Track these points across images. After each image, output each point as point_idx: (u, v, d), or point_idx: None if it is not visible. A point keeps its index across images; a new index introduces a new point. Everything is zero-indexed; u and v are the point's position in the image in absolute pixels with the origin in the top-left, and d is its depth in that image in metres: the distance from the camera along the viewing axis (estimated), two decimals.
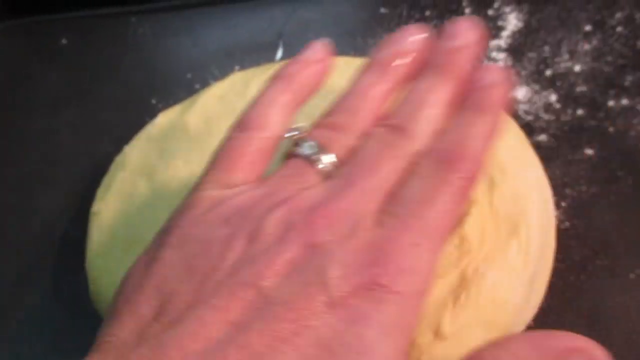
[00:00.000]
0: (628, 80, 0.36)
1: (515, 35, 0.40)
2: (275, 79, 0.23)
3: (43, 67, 0.45)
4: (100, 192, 0.34)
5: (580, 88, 0.37)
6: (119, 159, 0.35)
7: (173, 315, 0.18)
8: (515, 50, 0.39)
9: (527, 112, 0.36)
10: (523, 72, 0.38)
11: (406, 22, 0.42)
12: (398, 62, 0.23)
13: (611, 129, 0.35)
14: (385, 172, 0.20)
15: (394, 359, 0.17)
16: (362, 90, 0.23)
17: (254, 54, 0.43)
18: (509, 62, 0.39)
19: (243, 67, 0.42)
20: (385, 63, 0.23)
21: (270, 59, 0.42)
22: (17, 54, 0.46)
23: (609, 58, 0.38)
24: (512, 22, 0.41)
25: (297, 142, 0.22)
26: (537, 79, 0.38)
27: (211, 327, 0.17)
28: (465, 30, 0.22)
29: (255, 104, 0.23)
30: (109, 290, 0.30)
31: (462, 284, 0.25)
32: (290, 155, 0.22)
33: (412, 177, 0.20)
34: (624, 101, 0.36)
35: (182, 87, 0.42)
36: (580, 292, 0.30)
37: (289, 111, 0.23)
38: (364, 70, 0.23)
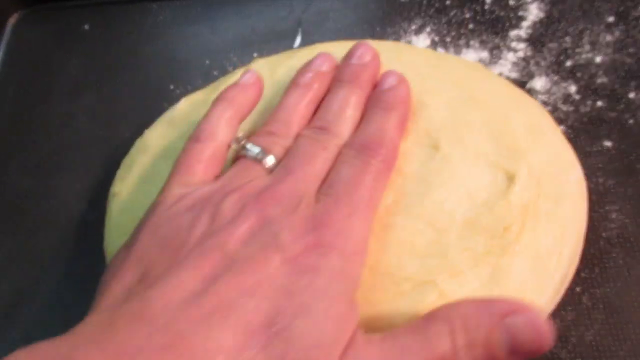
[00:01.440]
0: None
1: (536, 25, 0.40)
2: (219, 100, 0.29)
3: (64, 53, 0.46)
4: (120, 173, 0.34)
5: (601, 79, 0.36)
6: (139, 141, 0.35)
7: (154, 277, 0.21)
8: (536, 41, 0.39)
9: (545, 103, 0.36)
10: (542, 63, 0.38)
11: (426, 11, 0.42)
12: (315, 84, 0.29)
13: (631, 121, 0.34)
14: (318, 162, 0.25)
15: (343, 302, 0.22)
16: (290, 105, 0.28)
17: (272, 42, 0.43)
18: (529, 53, 0.38)
19: (261, 54, 0.42)
20: (308, 84, 0.29)
21: (288, 46, 0.42)
22: (39, 40, 0.47)
23: (631, 49, 0.37)
24: (534, 12, 0.40)
25: (242, 147, 0.27)
26: (556, 69, 0.37)
27: (187, 282, 0.21)
28: (365, 52, 0.29)
29: (205, 120, 0.28)
30: None
31: (493, 279, 0.25)
32: (238, 158, 0.27)
33: (340, 164, 0.25)
34: None
35: (200, 73, 0.42)
36: (596, 285, 0.29)
37: (233, 125, 0.28)
38: (291, 90, 0.29)
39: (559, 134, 0.31)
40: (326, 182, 0.25)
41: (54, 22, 0.48)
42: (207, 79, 0.41)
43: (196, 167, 0.26)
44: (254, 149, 0.26)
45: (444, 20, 0.41)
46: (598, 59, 0.37)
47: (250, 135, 0.28)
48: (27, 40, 0.47)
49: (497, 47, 0.39)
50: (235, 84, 0.29)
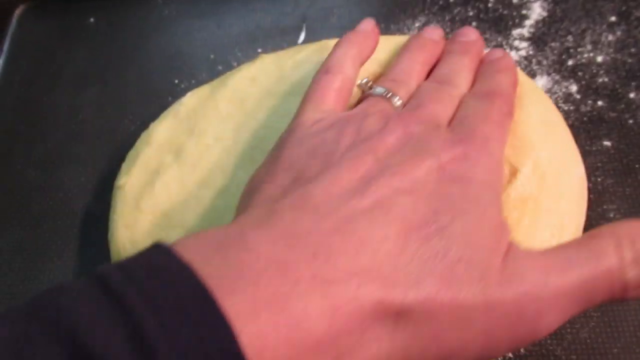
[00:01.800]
0: None
1: (539, 24, 0.40)
2: (342, 41, 0.30)
3: (70, 46, 0.46)
4: (125, 166, 0.35)
5: (602, 79, 0.36)
6: (145, 135, 0.35)
7: (308, 178, 0.22)
8: (538, 40, 0.39)
9: None
10: (544, 62, 0.38)
11: (430, 8, 0.42)
12: (428, 48, 0.31)
13: (631, 121, 0.34)
14: (444, 104, 0.26)
15: (496, 211, 0.22)
16: (408, 61, 0.30)
17: (277, 37, 0.43)
18: (531, 52, 0.39)
19: (265, 50, 0.42)
20: (421, 47, 0.31)
21: (293, 42, 0.43)
22: (44, 33, 0.47)
23: (633, 49, 0.37)
24: (537, 11, 0.41)
25: (369, 87, 0.29)
26: (558, 69, 0.37)
27: (343, 180, 0.22)
28: (470, 32, 0.31)
29: (332, 57, 0.29)
30: None
31: None
32: (365, 96, 0.29)
33: (466, 106, 0.27)
34: None
35: (204, 68, 0.42)
36: None
37: (357, 64, 0.29)
38: (405, 51, 0.31)
39: (567, 130, 0.31)
40: (455, 120, 0.26)
41: (60, 15, 0.48)
42: (212, 74, 0.41)
43: (328, 96, 0.27)
44: (380, 89, 0.28)
45: (447, 17, 0.41)
46: (599, 59, 0.37)
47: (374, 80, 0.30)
48: (33, 32, 0.47)
49: (500, 45, 0.39)
50: (355, 30, 0.31)
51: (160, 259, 0.18)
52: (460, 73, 0.29)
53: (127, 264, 0.18)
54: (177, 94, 0.39)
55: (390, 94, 0.27)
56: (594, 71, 0.37)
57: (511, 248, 0.21)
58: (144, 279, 0.17)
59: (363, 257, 0.19)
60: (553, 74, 0.37)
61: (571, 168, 0.29)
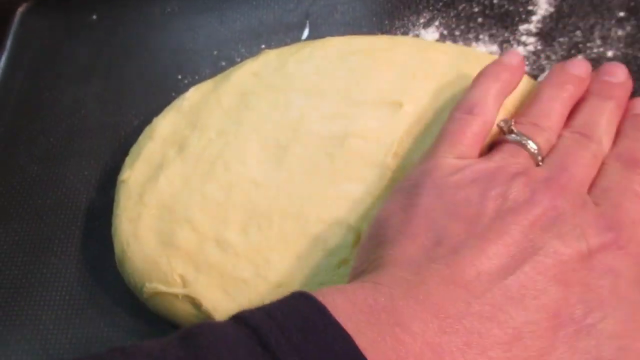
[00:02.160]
0: None
1: (546, 20, 0.39)
2: (484, 75, 0.28)
3: (73, 42, 0.46)
4: (128, 160, 0.35)
5: None
6: (148, 129, 0.35)
7: (453, 244, 0.21)
8: (546, 35, 0.39)
9: None
10: (553, 57, 0.37)
11: (434, 5, 0.41)
12: (570, 86, 0.28)
13: None
14: (585, 166, 0.25)
15: None
16: (549, 99, 0.28)
17: (280, 34, 0.43)
18: (539, 47, 0.38)
19: (269, 46, 0.42)
20: (563, 83, 0.29)
21: (296, 38, 0.42)
22: (47, 29, 0.47)
23: None
24: (543, 7, 0.40)
25: (506, 131, 0.27)
26: None
27: (493, 255, 0.21)
28: (620, 71, 0.29)
29: (474, 92, 0.28)
30: (136, 254, 0.31)
31: None
32: (501, 141, 0.27)
33: (605, 172, 0.25)
34: None
35: (207, 64, 0.42)
36: None
37: (500, 101, 0.28)
38: (545, 87, 0.29)
39: None
40: (597, 188, 0.24)
41: (62, 12, 0.48)
42: (215, 70, 0.41)
43: (466, 138, 0.26)
44: (517, 135, 0.26)
45: (452, 13, 0.41)
46: (610, 54, 0.37)
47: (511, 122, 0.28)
48: (35, 30, 0.47)
49: (507, 40, 0.39)
50: (499, 62, 0.29)
51: (315, 317, 0.18)
52: (603, 125, 0.27)
53: (280, 317, 0.18)
54: (180, 90, 0.39)
55: (527, 141, 0.26)
56: None
57: None
58: (303, 342, 0.18)
59: (515, 351, 0.19)
60: None
61: None
